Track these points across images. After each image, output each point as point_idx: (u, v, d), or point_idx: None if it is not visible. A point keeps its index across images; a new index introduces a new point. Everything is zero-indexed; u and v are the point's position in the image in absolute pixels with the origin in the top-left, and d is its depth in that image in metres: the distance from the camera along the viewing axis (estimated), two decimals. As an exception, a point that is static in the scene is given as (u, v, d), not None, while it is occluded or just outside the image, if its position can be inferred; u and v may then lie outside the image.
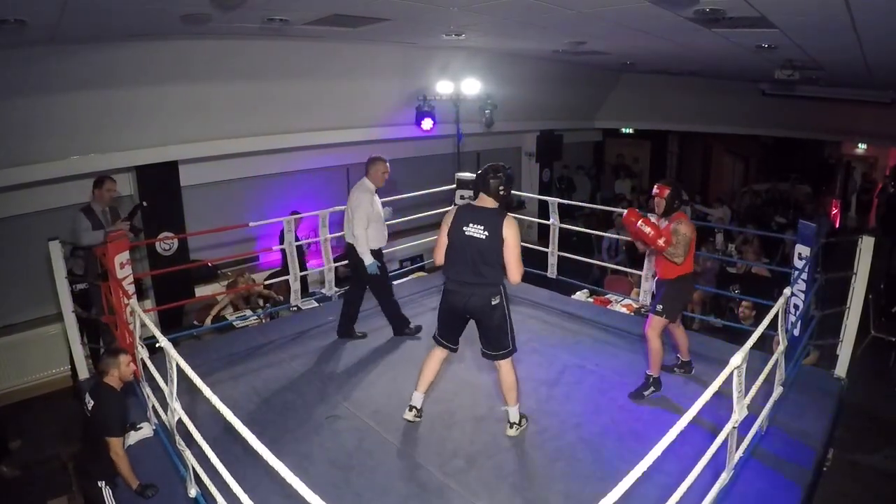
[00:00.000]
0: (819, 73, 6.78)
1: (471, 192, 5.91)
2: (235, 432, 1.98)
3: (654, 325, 3.66)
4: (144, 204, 4.61)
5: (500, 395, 3.46)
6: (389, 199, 5.98)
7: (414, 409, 3.53)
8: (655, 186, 3.68)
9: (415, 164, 8.98)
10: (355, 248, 4.39)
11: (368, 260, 4.37)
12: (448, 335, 3.44)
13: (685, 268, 3.62)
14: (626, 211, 3.72)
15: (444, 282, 3.35)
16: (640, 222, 3.51)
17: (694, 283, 3.92)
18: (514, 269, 3.12)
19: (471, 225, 3.14)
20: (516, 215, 3.36)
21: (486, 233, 3.10)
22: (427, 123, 7.79)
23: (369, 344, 4.68)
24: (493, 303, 3.19)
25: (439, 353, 3.49)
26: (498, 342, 3.29)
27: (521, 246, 3.21)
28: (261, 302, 6.09)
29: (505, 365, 3.32)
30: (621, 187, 12.12)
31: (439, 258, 3.31)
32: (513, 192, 3.29)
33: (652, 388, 3.75)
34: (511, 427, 3.41)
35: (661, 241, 3.47)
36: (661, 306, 3.66)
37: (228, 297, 5.86)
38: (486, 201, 3.19)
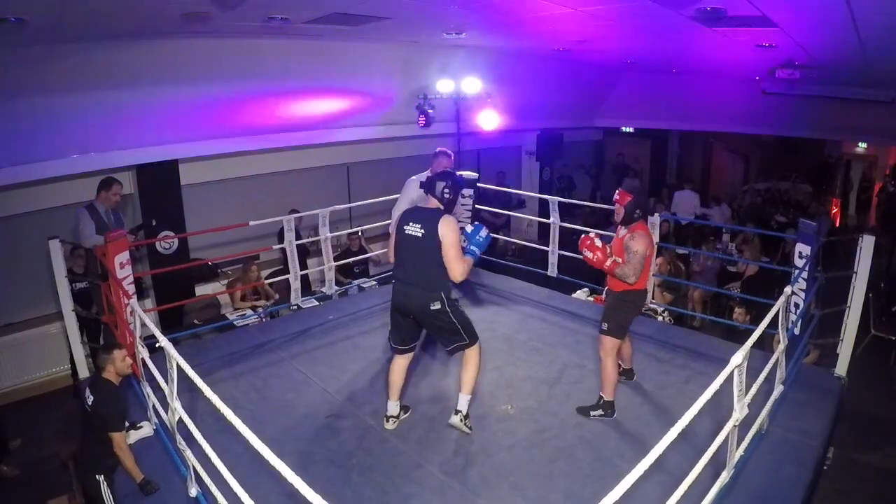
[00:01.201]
0: (819, 72, 6.78)
1: (472, 192, 5.92)
2: (236, 431, 1.98)
3: (605, 345, 3.45)
4: (154, 223, 4.62)
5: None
6: (389, 198, 6.00)
7: (391, 418, 3.51)
8: (616, 192, 3.48)
9: (415, 164, 8.98)
10: None
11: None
12: (397, 338, 3.42)
13: (640, 283, 3.42)
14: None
15: (393, 281, 3.36)
16: (583, 249, 3.34)
17: (643, 299, 3.63)
18: (454, 267, 3.09)
19: (411, 224, 3.18)
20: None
21: (422, 230, 3.13)
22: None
23: (369, 343, 4.68)
24: (432, 307, 3.16)
25: (398, 360, 3.46)
26: (449, 341, 3.29)
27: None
28: (263, 295, 6.12)
29: (469, 352, 3.31)
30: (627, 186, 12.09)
31: (391, 254, 3.37)
32: (457, 196, 3.27)
33: (601, 412, 3.52)
34: (456, 415, 3.37)
35: (607, 264, 3.30)
36: (605, 324, 3.44)
37: (240, 291, 5.90)
38: (431, 202, 3.23)
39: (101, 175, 5.05)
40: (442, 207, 3.20)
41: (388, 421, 3.51)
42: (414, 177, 4.64)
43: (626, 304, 3.45)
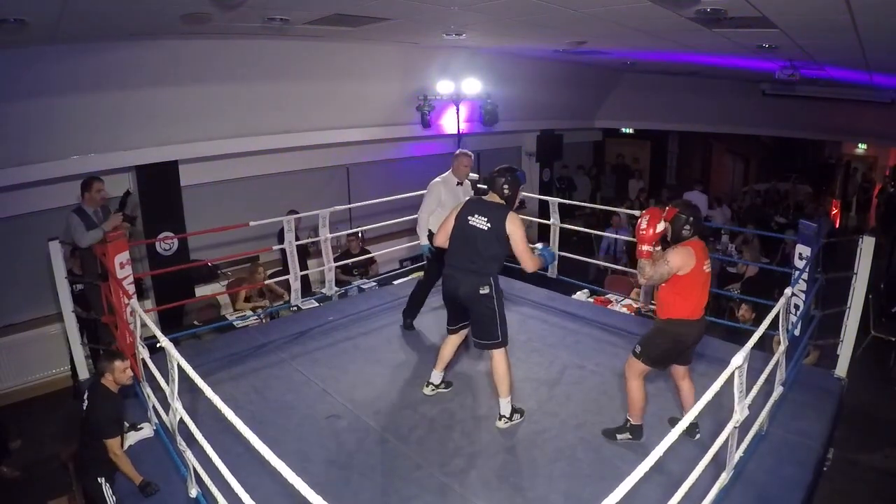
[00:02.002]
0: (819, 73, 6.79)
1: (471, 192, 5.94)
2: (236, 432, 1.98)
3: (631, 367, 3.22)
4: (130, 192, 4.60)
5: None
6: (389, 198, 6.01)
7: (430, 385, 3.84)
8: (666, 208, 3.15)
9: (415, 164, 8.99)
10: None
11: (423, 241, 4.64)
12: (449, 319, 3.68)
13: (679, 310, 3.06)
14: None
15: (444, 268, 3.54)
16: (645, 216, 3.01)
17: (679, 330, 3.09)
18: (526, 260, 3.33)
19: (476, 216, 3.34)
20: (520, 216, 3.44)
21: (488, 224, 3.30)
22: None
23: (370, 344, 4.68)
24: (481, 291, 3.33)
25: (450, 337, 3.74)
26: (486, 331, 3.41)
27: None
28: (266, 296, 6.12)
29: (496, 355, 3.43)
30: (634, 188, 12.07)
31: (441, 240, 3.55)
32: (520, 194, 3.44)
33: (628, 435, 3.32)
34: (501, 419, 3.48)
35: (644, 248, 2.98)
36: (638, 346, 3.19)
37: (244, 291, 5.91)
38: (493, 197, 3.40)
39: (102, 175, 5.04)
40: (504, 203, 3.37)
41: (427, 386, 3.85)
42: (438, 178, 4.75)
43: (660, 333, 3.15)
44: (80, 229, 4.30)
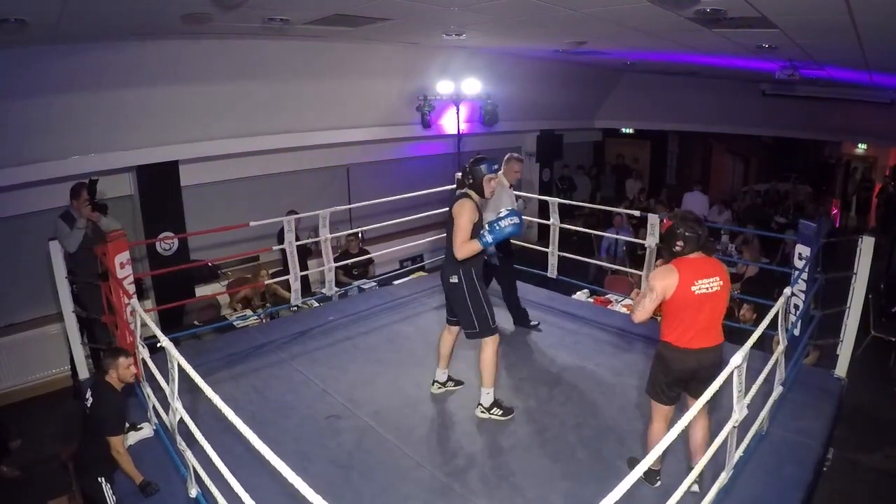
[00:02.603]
0: (819, 73, 6.79)
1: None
2: (236, 432, 1.98)
3: (651, 407, 2.93)
4: (95, 178, 4.57)
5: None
6: (389, 199, 6.01)
7: (436, 383, 3.91)
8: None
9: (415, 164, 9.00)
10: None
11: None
12: (447, 311, 3.75)
13: (665, 333, 2.78)
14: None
15: None
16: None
17: (675, 359, 2.75)
18: (456, 244, 3.32)
19: (448, 208, 3.49)
20: (474, 202, 3.41)
21: (448, 212, 3.44)
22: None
23: (369, 344, 4.68)
24: (451, 280, 3.43)
25: (444, 332, 3.83)
26: (463, 320, 3.50)
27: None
28: (266, 298, 6.12)
29: (482, 344, 3.49)
30: (633, 188, 12.08)
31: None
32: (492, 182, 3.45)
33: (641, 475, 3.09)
34: (478, 407, 3.58)
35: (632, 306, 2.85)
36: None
37: (241, 293, 5.91)
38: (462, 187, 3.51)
39: (102, 175, 5.03)
40: (465, 190, 3.44)
41: (433, 384, 3.91)
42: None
43: (654, 359, 2.90)
44: (64, 233, 4.30)
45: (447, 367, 3.90)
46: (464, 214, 3.32)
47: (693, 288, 2.65)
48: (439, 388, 3.90)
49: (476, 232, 3.34)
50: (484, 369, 3.50)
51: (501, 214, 3.35)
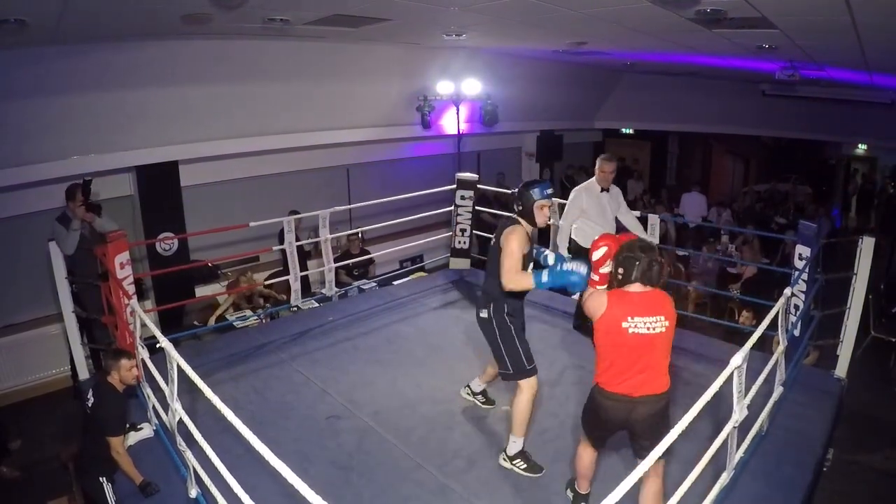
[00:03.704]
0: (819, 74, 6.79)
1: (471, 193, 5.94)
2: (236, 432, 1.98)
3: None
4: (89, 178, 4.57)
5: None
6: (389, 199, 6.01)
7: (466, 389, 3.77)
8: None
9: (415, 164, 9.00)
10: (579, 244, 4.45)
11: (563, 252, 4.36)
12: None
13: (596, 373, 2.50)
14: None
15: None
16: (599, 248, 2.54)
17: (604, 405, 2.45)
18: (503, 273, 2.87)
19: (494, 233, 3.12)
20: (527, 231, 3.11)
21: (494, 239, 3.06)
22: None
23: (369, 344, 4.68)
24: (480, 314, 3.11)
25: None
26: (496, 358, 3.13)
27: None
28: (262, 301, 6.10)
29: (519, 387, 3.07)
30: (634, 189, 12.05)
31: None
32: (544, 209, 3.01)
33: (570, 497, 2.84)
34: (501, 454, 3.18)
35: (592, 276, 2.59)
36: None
37: (231, 297, 5.87)
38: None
39: (102, 175, 5.03)
40: (515, 216, 3.04)
41: (464, 388, 3.78)
42: (581, 185, 4.56)
43: (588, 397, 2.58)
44: (61, 235, 4.30)
45: (488, 382, 3.63)
46: (513, 240, 2.88)
47: (625, 325, 2.30)
48: (468, 394, 3.73)
49: (525, 266, 2.94)
50: (516, 415, 3.06)
51: (566, 257, 2.88)
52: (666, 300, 2.38)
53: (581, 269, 2.67)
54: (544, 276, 2.76)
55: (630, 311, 2.31)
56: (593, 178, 4.50)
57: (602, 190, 4.48)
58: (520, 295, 3.04)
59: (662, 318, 2.32)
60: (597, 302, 2.38)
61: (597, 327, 2.38)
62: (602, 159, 4.47)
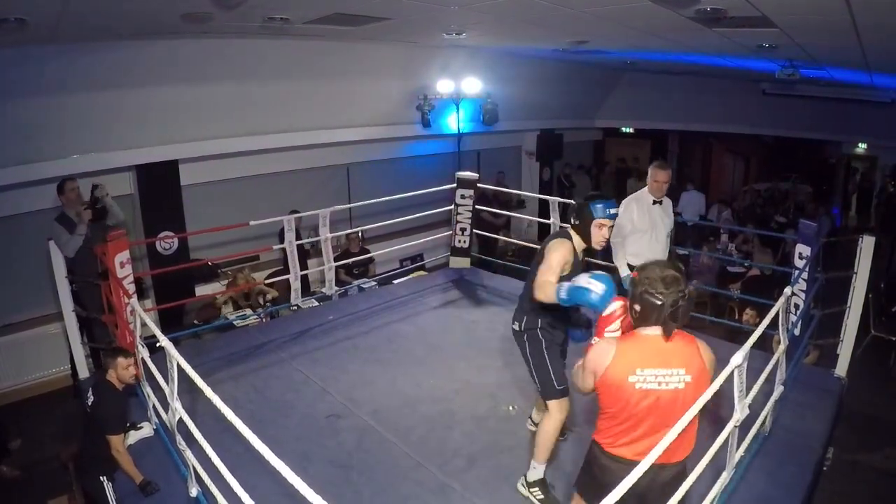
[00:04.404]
0: (819, 73, 6.79)
1: (471, 192, 5.93)
2: (236, 432, 1.98)
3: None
4: (97, 184, 4.56)
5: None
6: (389, 198, 6.01)
7: (530, 419, 3.48)
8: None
9: (415, 163, 8.99)
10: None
11: (622, 271, 3.91)
12: None
13: (597, 428, 2.16)
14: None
15: None
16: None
17: (603, 469, 2.10)
18: (536, 283, 2.61)
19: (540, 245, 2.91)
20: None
21: (539, 249, 2.83)
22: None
23: (369, 344, 4.68)
24: (513, 326, 2.94)
25: None
26: (530, 373, 2.95)
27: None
28: (261, 300, 6.10)
29: (548, 408, 2.88)
30: (634, 189, 11.99)
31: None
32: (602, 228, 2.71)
33: None
34: (521, 479, 2.99)
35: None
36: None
37: (227, 295, 5.88)
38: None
39: (101, 175, 5.03)
40: (568, 227, 2.82)
41: (528, 421, 3.49)
42: (631, 196, 4.12)
43: (586, 455, 2.25)
44: (63, 238, 4.27)
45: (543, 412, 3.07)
46: (556, 254, 2.65)
47: (632, 379, 1.91)
48: (532, 425, 3.41)
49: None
50: (539, 440, 2.87)
51: (593, 275, 2.31)
52: (691, 348, 1.96)
53: (598, 286, 2.23)
54: (562, 291, 2.38)
55: (640, 362, 1.92)
56: (644, 188, 4.05)
57: (654, 202, 4.01)
58: (558, 308, 2.59)
59: (682, 371, 1.90)
60: (601, 355, 1.99)
61: (603, 381, 1.99)
62: (655, 167, 3.98)
